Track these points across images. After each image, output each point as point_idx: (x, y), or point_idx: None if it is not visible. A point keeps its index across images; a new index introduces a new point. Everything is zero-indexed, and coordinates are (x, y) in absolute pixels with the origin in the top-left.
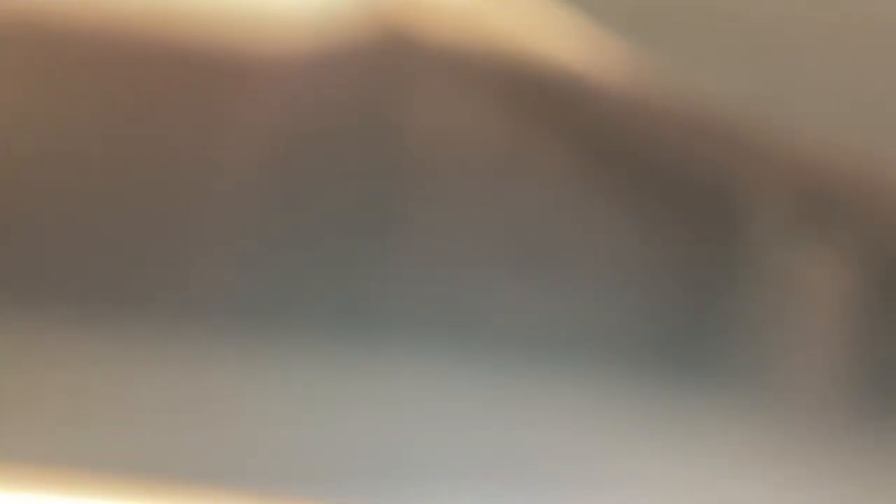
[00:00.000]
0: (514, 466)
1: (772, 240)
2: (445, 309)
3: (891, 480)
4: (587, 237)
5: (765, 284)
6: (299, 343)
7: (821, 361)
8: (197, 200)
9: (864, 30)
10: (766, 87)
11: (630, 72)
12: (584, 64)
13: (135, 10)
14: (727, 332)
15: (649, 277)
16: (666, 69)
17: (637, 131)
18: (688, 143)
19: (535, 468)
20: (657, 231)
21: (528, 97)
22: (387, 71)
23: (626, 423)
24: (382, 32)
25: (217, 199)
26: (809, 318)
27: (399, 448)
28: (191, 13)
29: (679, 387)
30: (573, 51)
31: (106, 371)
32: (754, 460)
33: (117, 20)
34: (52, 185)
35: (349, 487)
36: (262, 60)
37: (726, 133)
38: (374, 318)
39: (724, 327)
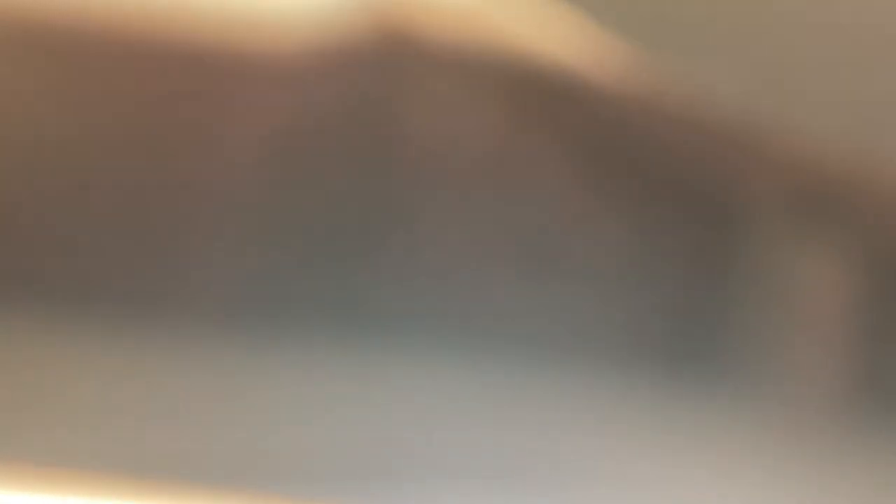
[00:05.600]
0: (516, 466)
1: (771, 239)
2: (446, 308)
3: (891, 480)
4: (588, 236)
5: (764, 284)
6: (300, 343)
7: (821, 360)
8: (198, 200)
9: (863, 30)
10: (766, 87)
11: (630, 72)
12: (585, 64)
13: (135, 10)
14: (727, 331)
15: (649, 277)
16: (666, 69)
17: (637, 131)
18: (688, 142)
19: (536, 468)
20: (658, 231)
21: (529, 97)
22: (388, 71)
23: (628, 423)
24: (383, 32)
25: (218, 199)
26: (809, 317)
27: (400, 448)
28: (192, 14)
29: (679, 386)
30: (574, 51)
31: (106, 371)
32: (755, 459)
33: (117, 20)
34: (50, 184)
35: (350, 488)
36: (262, 60)
37: (726, 133)
38: (375, 318)
39: (724, 327)
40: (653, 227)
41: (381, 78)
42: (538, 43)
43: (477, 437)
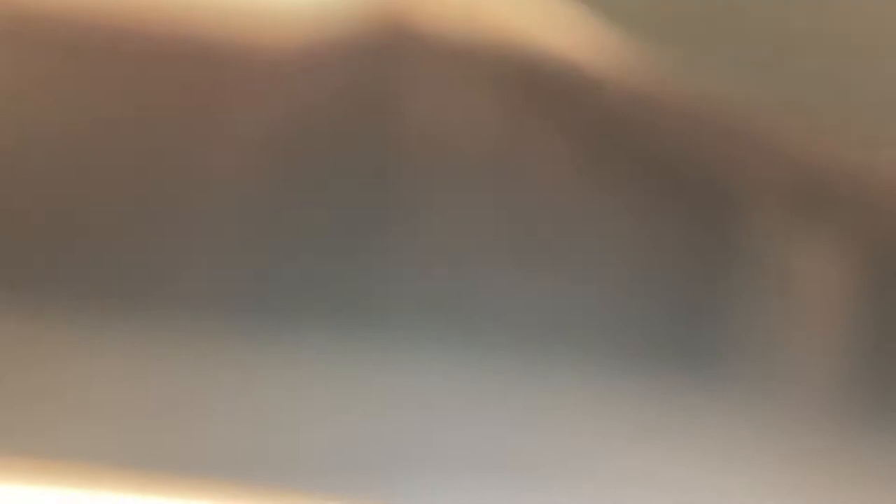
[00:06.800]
0: (515, 461)
1: (771, 234)
2: (445, 303)
3: (891, 477)
4: (587, 230)
5: (764, 278)
6: (298, 339)
7: (820, 355)
8: (197, 194)
9: (863, 28)
10: (766, 83)
11: (631, 66)
12: (586, 58)
13: (136, 6)
14: (726, 325)
15: (649, 271)
16: (667, 64)
17: (638, 125)
18: (688, 137)
19: (535, 463)
20: (657, 225)
21: (530, 90)
22: (388, 64)
23: (626, 419)
24: (384, 25)
25: (217, 192)
26: (808, 311)
27: (400, 444)
28: (192, 9)
29: (678, 382)
30: (575, 45)
31: (109, 368)
32: (753, 455)
33: (117, 17)
34: (52, 182)
35: (350, 483)
36: (262, 55)
37: (727, 127)
38: (374, 313)
39: (723, 321)
40: (654, 221)
41: (382, 70)
42: (539, 36)
43: (478, 433)
